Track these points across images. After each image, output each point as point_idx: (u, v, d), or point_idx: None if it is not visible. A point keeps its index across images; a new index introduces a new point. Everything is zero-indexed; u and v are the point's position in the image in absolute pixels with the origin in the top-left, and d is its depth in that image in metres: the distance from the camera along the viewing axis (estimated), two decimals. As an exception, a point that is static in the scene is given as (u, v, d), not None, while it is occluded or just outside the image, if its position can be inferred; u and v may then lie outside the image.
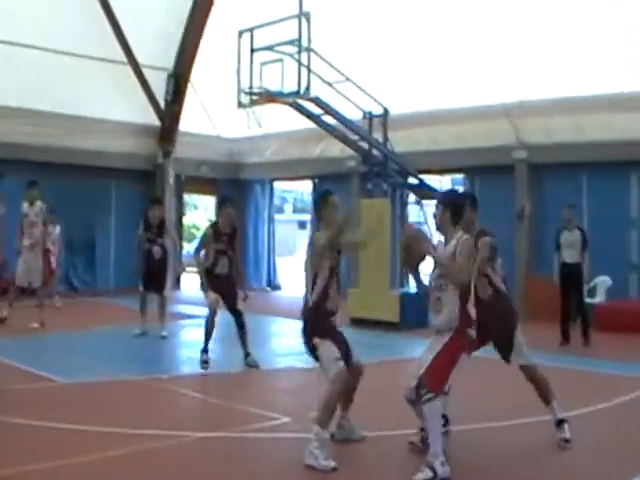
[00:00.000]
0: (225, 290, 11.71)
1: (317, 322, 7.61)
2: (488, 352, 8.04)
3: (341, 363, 7.40)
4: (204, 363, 11.37)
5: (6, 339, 13.70)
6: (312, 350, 7.61)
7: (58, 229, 19.55)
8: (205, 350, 11.43)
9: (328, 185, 23.39)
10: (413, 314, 15.85)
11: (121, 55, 22.93)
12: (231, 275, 11.87)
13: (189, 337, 15.11)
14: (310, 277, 7.64)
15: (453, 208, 7.12)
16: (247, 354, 11.79)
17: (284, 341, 15.17)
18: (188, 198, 31.81)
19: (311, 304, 7.63)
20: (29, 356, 12.06)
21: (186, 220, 36.60)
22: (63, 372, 10.75)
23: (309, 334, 7.61)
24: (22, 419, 8.18)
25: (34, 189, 15.78)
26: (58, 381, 10.38)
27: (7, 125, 21.32)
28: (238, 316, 11.84)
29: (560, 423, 7.89)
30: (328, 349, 7.46)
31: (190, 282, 27.10)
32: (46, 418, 8.23)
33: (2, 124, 21.17)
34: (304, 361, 12.48)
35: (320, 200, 7.91)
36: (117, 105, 23.62)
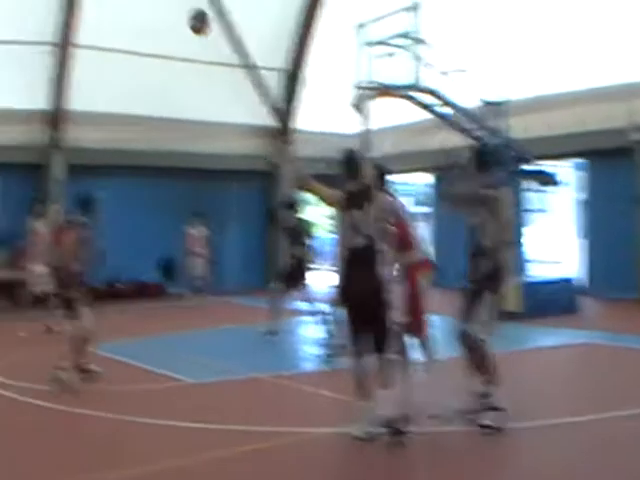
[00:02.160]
0: None
1: None
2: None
3: None
4: None
5: (132, 341, 14.01)
6: None
7: (204, 231, 20.20)
8: None
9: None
10: (536, 303, 15.62)
11: (236, 58, 23.18)
12: None
13: (311, 333, 15.02)
14: None
15: None
16: None
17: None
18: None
19: None
20: (155, 356, 12.27)
21: (304, 217, 36.67)
22: (189, 371, 10.91)
23: None
24: (150, 418, 8.35)
25: (42, 206, 16.04)
26: (185, 380, 10.55)
27: (128, 133, 21.97)
28: None
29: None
30: None
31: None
32: (174, 417, 8.37)
33: (124, 132, 21.84)
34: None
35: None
36: (234, 107, 23.89)
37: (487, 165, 7.99)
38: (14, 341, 14.26)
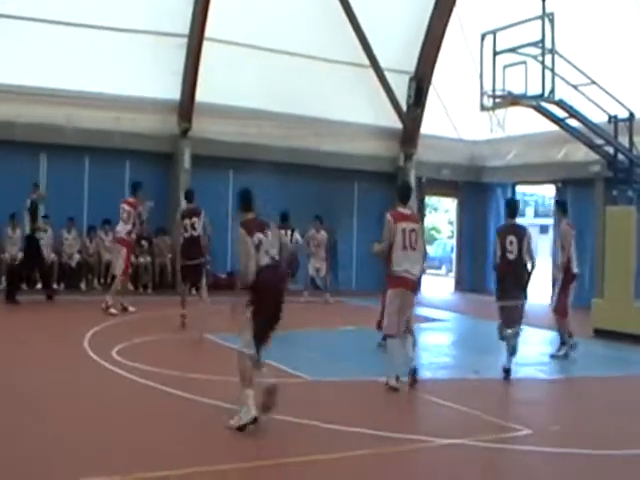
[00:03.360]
0: None
1: None
2: None
3: None
4: None
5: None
6: None
7: (324, 234, 20.63)
8: None
9: (571, 190, 22.87)
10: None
11: (364, 59, 23.37)
12: None
13: (430, 341, 15.09)
14: None
15: None
16: None
17: (525, 350, 14.41)
18: (428, 200, 31.81)
19: None
20: (273, 351, 12.49)
21: (426, 222, 36.52)
22: (309, 369, 11.08)
23: None
24: (275, 414, 8.31)
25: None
26: (305, 378, 10.73)
27: (253, 127, 22.47)
28: None
29: None
30: None
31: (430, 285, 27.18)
32: (293, 413, 8.47)
33: (249, 126, 22.32)
34: (546, 372, 12.32)
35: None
36: (360, 108, 24.12)
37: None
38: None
